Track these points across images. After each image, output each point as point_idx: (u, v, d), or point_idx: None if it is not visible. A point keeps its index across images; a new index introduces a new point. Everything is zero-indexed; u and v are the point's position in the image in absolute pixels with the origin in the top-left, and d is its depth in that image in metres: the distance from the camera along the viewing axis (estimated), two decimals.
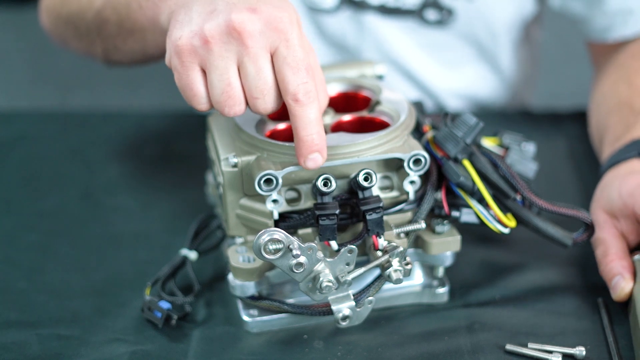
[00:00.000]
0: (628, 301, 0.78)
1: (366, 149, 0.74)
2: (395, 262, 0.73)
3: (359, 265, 0.73)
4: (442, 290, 0.80)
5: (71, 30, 0.99)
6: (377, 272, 0.76)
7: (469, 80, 1.20)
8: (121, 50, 0.92)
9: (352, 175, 0.75)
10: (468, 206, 0.78)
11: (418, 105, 0.87)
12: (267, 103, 0.69)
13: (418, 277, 0.81)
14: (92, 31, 0.93)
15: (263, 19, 0.68)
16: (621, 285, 0.78)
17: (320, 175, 0.72)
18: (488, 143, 0.83)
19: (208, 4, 0.70)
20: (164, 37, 0.76)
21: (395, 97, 0.82)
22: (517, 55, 1.20)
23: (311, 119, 0.69)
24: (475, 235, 0.86)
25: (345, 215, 0.75)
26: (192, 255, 0.84)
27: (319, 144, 0.69)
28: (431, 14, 1.11)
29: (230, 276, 0.76)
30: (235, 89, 0.69)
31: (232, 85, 0.69)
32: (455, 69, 1.18)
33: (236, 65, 0.69)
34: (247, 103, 0.70)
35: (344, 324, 0.74)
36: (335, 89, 0.86)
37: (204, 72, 0.70)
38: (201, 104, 0.71)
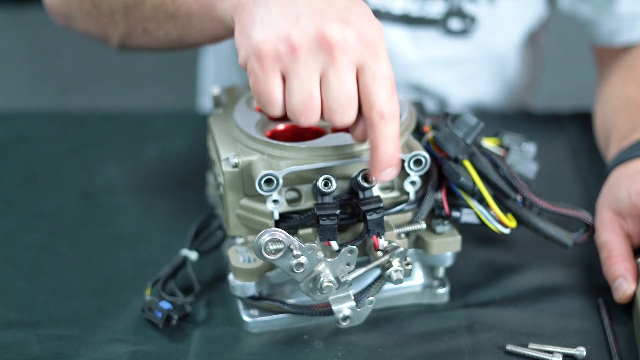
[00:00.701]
0: (632, 303, 0.78)
1: (367, 149, 0.74)
2: (395, 263, 0.73)
3: (359, 265, 0.73)
4: (443, 290, 0.80)
5: (87, 8, 0.91)
6: (377, 272, 0.76)
7: (479, 91, 1.21)
8: (152, 34, 0.85)
9: (353, 175, 0.75)
10: (468, 206, 0.78)
11: (418, 106, 0.87)
12: (344, 116, 0.68)
13: (418, 277, 0.81)
14: (118, 11, 0.87)
15: (356, 31, 0.65)
16: (624, 287, 0.78)
17: (320, 176, 0.72)
18: (488, 143, 0.83)
19: (290, 5, 0.66)
20: (214, 25, 0.73)
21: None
22: (523, 61, 1.21)
23: (393, 135, 0.68)
24: (476, 235, 0.86)
25: (346, 215, 0.75)
26: (193, 255, 0.84)
27: (396, 159, 0.69)
28: (455, 23, 1.10)
29: (230, 276, 0.76)
30: (315, 100, 0.67)
31: (313, 96, 0.67)
32: (468, 83, 1.19)
33: (319, 75, 0.66)
34: (322, 114, 0.68)
35: (344, 324, 0.74)
36: None
37: (283, 78, 0.67)
38: (276, 111, 0.68)
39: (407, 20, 1.11)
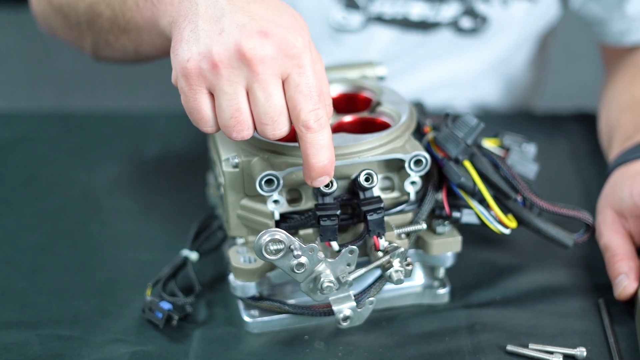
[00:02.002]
0: (634, 303, 0.78)
1: (367, 150, 0.74)
2: (396, 263, 0.73)
3: (359, 265, 0.73)
4: (443, 291, 0.80)
5: (60, 20, 0.94)
6: (378, 272, 0.76)
7: (483, 93, 1.21)
8: (112, 46, 0.88)
9: (353, 175, 0.75)
10: (469, 207, 0.78)
11: (419, 106, 0.88)
12: (275, 129, 0.68)
13: (419, 277, 0.81)
14: (83, 23, 0.89)
15: (275, 43, 0.65)
16: (624, 283, 0.78)
17: None
18: (489, 144, 0.83)
19: (215, 21, 0.67)
20: (162, 39, 0.74)
21: (396, 98, 0.82)
22: (530, 62, 1.21)
23: (322, 144, 0.68)
24: (476, 236, 0.86)
25: (346, 215, 0.75)
26: (193, 255, 0.84)
27: (329, 169, 0.69)
28: (466, 22, 1.11)
29: (231, 277, 0.76)
30: (244, 114, 0.67)
31: (240, 110, 0.67)
32: (473, 85, 1.19)
33: (245, 90, 0.67)
34: (255, 127, 0.68)
35: (344, 324, 0.74)
36: (336, 90, 0.86)
37: (212, 95, 0.68)
38: (208, 127, 0.69)
39: (424, 26, 1.12)
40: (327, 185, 0.72)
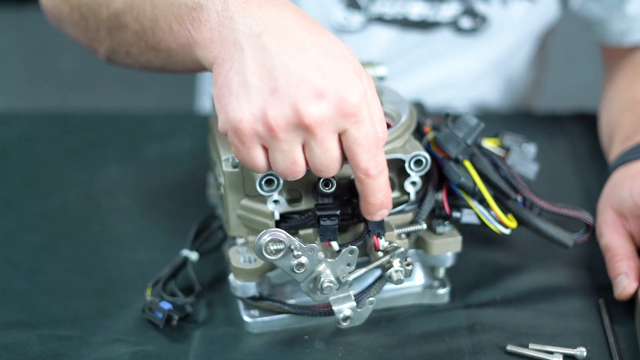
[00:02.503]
0: (634, 303, 0.78)
1: None
2: (396, 263, 0.73)
3: (360, 265, 0.73)
4: (443, 291, 0.80)
5: (76, 19, 0.87)
6: (378, 272, 0.76)
7: (483, 93, 1.21)
8: (134, 58, 0.82)
9: (353, 175, 0.75)
10: (469, 207, 0.78)
11: (419, 106, 0.87)
12: (330, 173, 0.68)
13: (419, 277, 0.81)
14: (103, 30, 0.83)
15: (332, 105, 0.64)
16: (624, 283, 0.78)
17: None
18: (489, 144, 0.83)
19: (266, 76, 0.64)
20: (197, 65, 0.71)
21: (396, 98, 0.82)
22: (530, 62, 1.21)
23: (381, 187, 0.68)
24: (476, 236, 0.86)
25: (346, 215, 0.75)
26: (193, 256, 0.84)
27: (387, 203, 0.70)
28: (465, 22, 1.11)
29: (231, 277, 0.76)
30: (300, 165, 0.67)
31: (297, 162, 0.66)
32: (473, 85, 1.19)
33: (301, 145, 0.66)
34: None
35: (345, 324, 0.74)
36: None
37: (265, 147, 0.66)
38: (260, 172, 0.69)
39: (424, 25, 1.12)
40: (327, 185, 0.72)
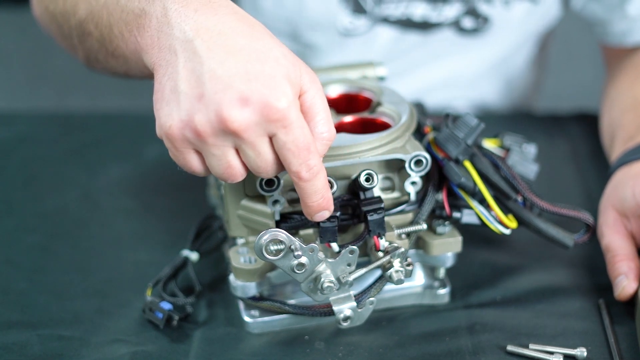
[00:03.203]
0: (634, 303, 0.78)
1: (367, 150, 0.74)
2: (396, 263, 0.73)
3: (360, 265, 0.73)
4: (443, 291, 0.80)
5: (55, 28, 0.93)
6: (378, 272, 0.76)
7: (483, 93, 1.21)
8: (102, 64, 0.85)
9: (354, 176, 0.75)
10: (469, 207, 0.78)
11: (419, 106, 0.88)
12: (269, 174, 0.68)
13: (419, 278, 0.81)
14: (74, 37, 0.87)
15: (257, 110, 0.64)
16: (623, 284, 0.78)
17: None
18: (489, 144, 0.83)
19: (194, 82, 0.64)
20: (148, 71, 0.72)
21: (396, 98, 0.82)
22: (530, 62, 1.21)
23: (316, 189, 0.68)
24: (476, 236, 0.86)
25: (347, 216, 0.75)
26: (193, 256, 0.84)
27: (325, 205, 0.69)
28: (467, 22, 1.11)
29: (231, 277, 0.76)
30: (236, 168, 0.67)
31: (232, 166, 0.67)
32: (473, 85, 1.19)
33: (234, 149, 0.66)
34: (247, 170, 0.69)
35: (345, 324, 0.74)
36: (336, 90, 0.86)
37: (198, 152, 0.67)
38: (201, 175, 0.69)
39: (425, 26, 1.12)
40: None
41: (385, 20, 1.11)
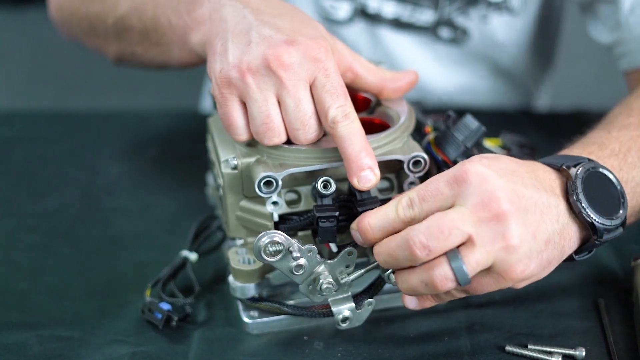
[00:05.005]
0: (633, 303, 0.78)
1: None
2: None
3: (358, 266, 0.73)
4: None
5: (86, 29, 0.97)
6: (376, 273, 0.76)
7: (483, 94, 1.20)
8: (140, 57, 0.91)
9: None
10: None
11: (418, 106, 0.87)
12: (307, 133, 0.71)
13: None
14: (110, 35, 0.93)
15: (301, 50, 0.69)
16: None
17: (319, 178, 0.72)
18: (489, 144, 0.83)
19: (244, 35, 0.71)
20: (191, 55, 0.79)
21: (395, 99, 0.82)
22: (526, 63, 1.20)
23: (354, 133, 0.69)
24: None
25: (345, 216, 0.75)
26: (193, 256, 0.84)
27: (369, 162, 0.69)
28: (445, 32, 1.11)
29: (230, 278, 0.76)
30: (275, 121, 0.70)
31: (271, 117, 0.70)
32: (470, 84, 1.18)
33: (275, 97, 0.70)
34: (287, 133, 0.71)
35: (344, 325, 0.74)
36: None
37: (244, 104, 0.71)
38: (239, 135, 0.73)
39: (397, 24, 1.12)
40: (325, 186, 0.72)
41: (363, 11, 1.12)
